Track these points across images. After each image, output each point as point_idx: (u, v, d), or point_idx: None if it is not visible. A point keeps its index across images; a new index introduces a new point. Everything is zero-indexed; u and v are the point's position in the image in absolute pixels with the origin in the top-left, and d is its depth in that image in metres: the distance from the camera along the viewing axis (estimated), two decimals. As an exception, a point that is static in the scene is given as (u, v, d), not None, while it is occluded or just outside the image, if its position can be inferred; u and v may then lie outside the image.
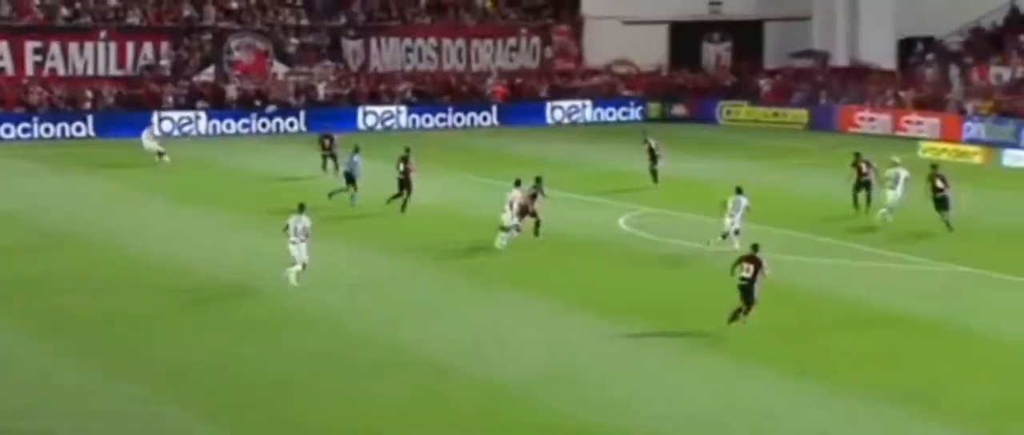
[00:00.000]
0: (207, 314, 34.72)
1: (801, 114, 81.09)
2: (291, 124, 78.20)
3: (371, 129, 78.23)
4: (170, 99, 77.79)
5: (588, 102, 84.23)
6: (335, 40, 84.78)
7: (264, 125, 77.89)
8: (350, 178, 50.61)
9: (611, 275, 39.19)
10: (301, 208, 37.20)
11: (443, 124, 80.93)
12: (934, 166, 47.67)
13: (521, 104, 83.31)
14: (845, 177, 49.21)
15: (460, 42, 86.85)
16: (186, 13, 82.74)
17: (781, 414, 26.87)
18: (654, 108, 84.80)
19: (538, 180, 43.90)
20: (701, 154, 66.57)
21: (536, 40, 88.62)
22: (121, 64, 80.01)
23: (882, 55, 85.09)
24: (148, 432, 26.15)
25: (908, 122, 75.26)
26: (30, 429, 26.13)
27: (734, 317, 31.70)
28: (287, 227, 36.56)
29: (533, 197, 43.06)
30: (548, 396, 27.83)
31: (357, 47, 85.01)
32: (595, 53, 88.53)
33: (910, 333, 32.88)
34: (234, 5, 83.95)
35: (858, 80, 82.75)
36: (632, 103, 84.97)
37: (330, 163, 57.32)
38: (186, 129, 76.26)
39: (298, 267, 36.47)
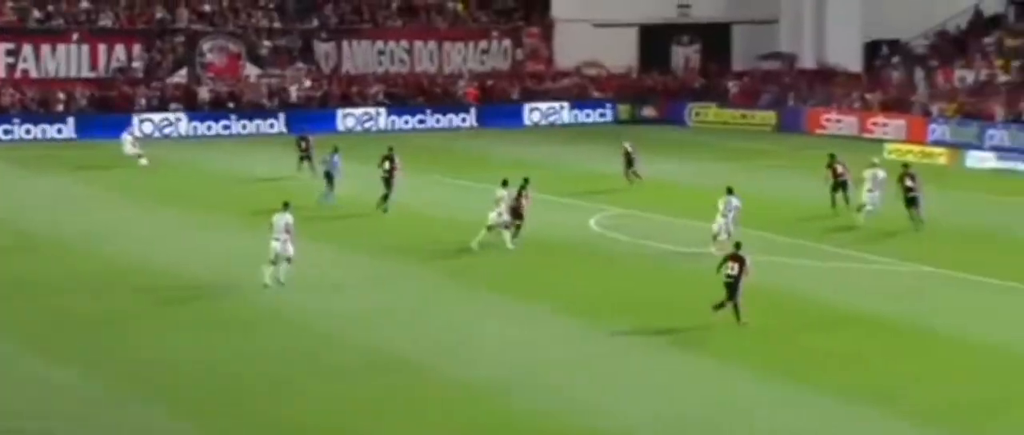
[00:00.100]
0: (188, 314, 35.13)
1: (769, 116, 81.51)
2: (271, 125, 78.19)
3: (350, 130, 78.28)
4: (143, 101, 77.80)
5: (565, 104, 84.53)
6: (307, 42, 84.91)
7: (244, 127, 77.92)
8: (329, 177, 51.31)
9: (586, 276, 39.73)
10: (285, 206, 37.73)
11: (422, 125, 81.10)
12: (906, 165, 48.72)
13: (499, 106, 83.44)
14: (821, 178, 50.04)
15: (432, 44, 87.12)
16: (158, 15, 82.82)
17: (751, 413, 27.37)
18: (624, 110, 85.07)
19: (525, 181, 44.25)
20: (670, 156, 66.99)
21: (507, 42, 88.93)
22: (93, 66, 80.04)
23: (849, 58, 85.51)
24: (127, 432, 26.49)
25: (874, 124, 75.92)
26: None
27: (719, 306, 32.90)
28: (272, 225, 37.11)
29: (519, 197, 43.37)
30: (524, 397, 28.23)
31: (329, 49, 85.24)
32: (565, 55, 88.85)
33: (875, 333, 33.44)
34: (207, 7, 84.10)
35: (825, 82, 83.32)
36: (603, 105, 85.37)
37: (306, 164, 57.93)
38: (166, 131, 76.28)
39: (272, 268, 36.84)
